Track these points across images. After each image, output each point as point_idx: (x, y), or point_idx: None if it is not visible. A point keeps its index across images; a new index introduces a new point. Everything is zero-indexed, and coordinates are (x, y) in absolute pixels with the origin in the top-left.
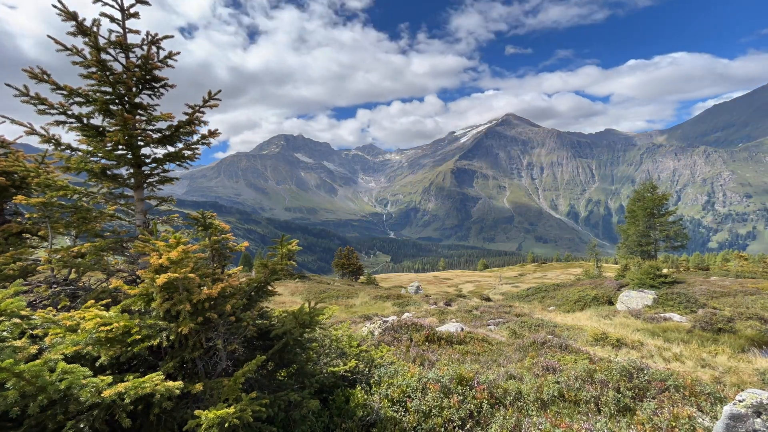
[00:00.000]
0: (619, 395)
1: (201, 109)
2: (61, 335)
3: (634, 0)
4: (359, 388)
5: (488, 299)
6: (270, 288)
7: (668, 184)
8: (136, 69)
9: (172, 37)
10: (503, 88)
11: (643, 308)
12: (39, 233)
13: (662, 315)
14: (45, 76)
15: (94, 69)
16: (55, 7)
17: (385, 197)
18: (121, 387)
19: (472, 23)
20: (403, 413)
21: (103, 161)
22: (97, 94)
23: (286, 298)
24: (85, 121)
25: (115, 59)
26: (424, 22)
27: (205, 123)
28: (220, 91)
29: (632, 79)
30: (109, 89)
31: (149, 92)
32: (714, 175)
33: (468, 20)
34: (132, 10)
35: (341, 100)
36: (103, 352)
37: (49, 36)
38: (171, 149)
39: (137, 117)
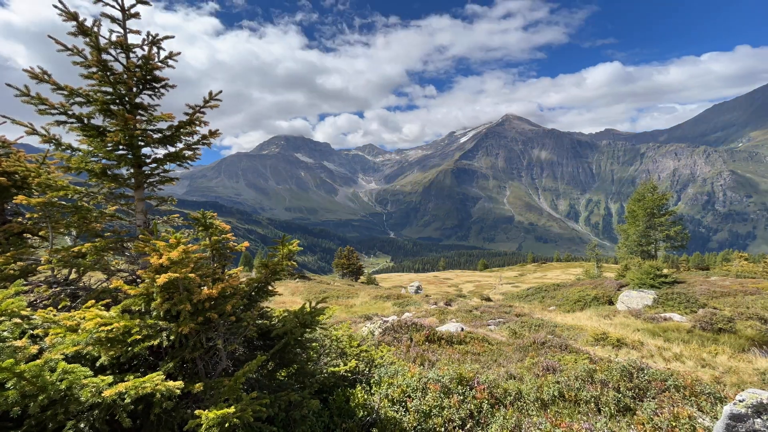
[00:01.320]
0: (620, 395)
1: (201, 110)
2: (62, 335)
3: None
4: (359, 388)
5: (488, 299)
6: (270, 288)
7: (668, 184)
8: (137, 69)
9: (173, 37)
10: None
11: (644, 308)
12: (40, 233)
13: (662, 315)
14: (45, 77)
15: (94, 69)
16: (55, 7)
17: (385, 197)
18: (121, 387)
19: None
20: (403, 413)
21: (103, 161)
22: (98, 94)
23: (287, 298)
24: (85, 121)
25: (116, 59)
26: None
27: (206, 123)
28: (220, 91)
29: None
30: (110, 89)
31: (150, 92)
32: (714, 175)
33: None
34: (133, 11)
35: (290, 114)
36: (103, 352)
37: (49, 36)
38: (171, 149)
39: (138, 117)
